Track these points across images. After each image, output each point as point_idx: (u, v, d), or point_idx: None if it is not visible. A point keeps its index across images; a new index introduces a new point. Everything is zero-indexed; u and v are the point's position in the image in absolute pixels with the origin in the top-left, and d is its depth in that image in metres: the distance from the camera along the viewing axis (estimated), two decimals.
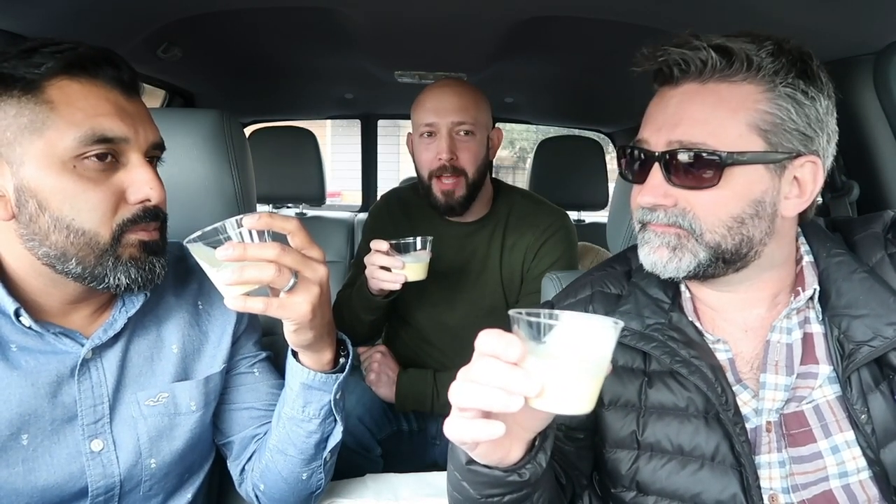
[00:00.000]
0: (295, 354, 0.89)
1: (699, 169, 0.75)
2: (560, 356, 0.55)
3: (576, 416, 0.57)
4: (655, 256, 0.80)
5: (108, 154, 0.76)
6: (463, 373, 0.57)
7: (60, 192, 0.74)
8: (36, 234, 0.75)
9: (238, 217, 0.74)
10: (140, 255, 0.80)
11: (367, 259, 1.34)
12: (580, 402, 0.56)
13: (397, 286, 1.31)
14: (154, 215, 0.81)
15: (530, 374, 0.54)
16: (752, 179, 0.76)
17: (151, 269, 0.81)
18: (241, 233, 0.75)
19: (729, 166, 0.74)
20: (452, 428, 0.58)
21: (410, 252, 1.29)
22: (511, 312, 0.58)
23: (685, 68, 0.77)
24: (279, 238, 0.77)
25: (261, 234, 0.76)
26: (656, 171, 0.78)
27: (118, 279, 0.78)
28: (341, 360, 0.91)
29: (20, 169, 0.73)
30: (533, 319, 0.56)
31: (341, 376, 0.89)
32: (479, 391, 0.55)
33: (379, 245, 1.30)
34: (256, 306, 0.74)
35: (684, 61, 0.76)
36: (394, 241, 1.29)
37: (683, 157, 0.76)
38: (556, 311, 0.60)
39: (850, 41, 1.19)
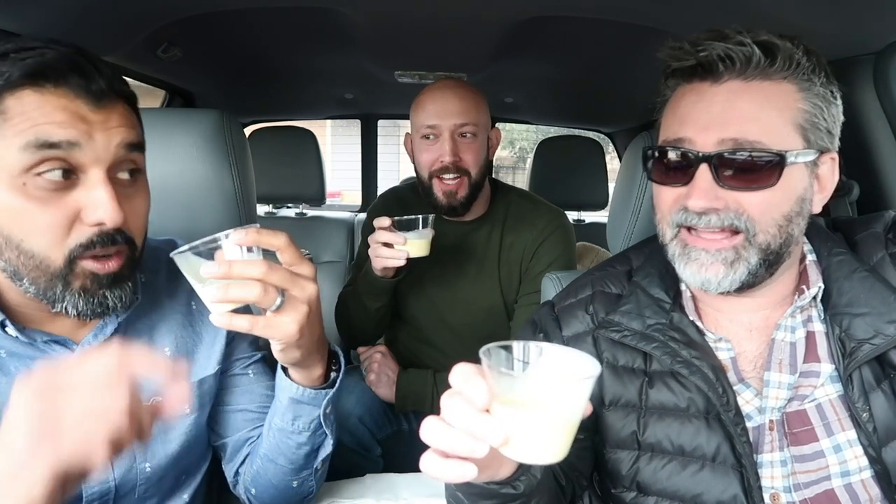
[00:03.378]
0: (285, 369, 0.87)
1: (757, 169, 0.73)
2: (527, 406, 0.51)
3: (548, 464, 0.53)
4: (708, 274, 0.77)
5: (63, 170, 0.69)
6: (442, 404, 0.55)
7: (7, 211, 0.69)
8: None
9: (228, 231, 0.71)
10: (91, 287, 0.74)
11: (370, 238, 1.34)
12: (550, 453, 0.52)
13: (401, 262, 1.31)
14: (111, 239, 0.73)
15: (496, 423, 0.51)
16: (798, 177, 0.76)
17: (102, 302, 0.75)
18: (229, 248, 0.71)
19: (787, 165, 0.73)
20: (427, 465, 0.56)
21: (413, 229, 1.30)
22: (480, 352, 0.53)
23: (729, 63, 0.74)
24: (270, 252, 0.74)
25: (251, 248, 0.72)
26: (704, 173, 0.75)
27: (66, 308, 0.74)
28: (332, 375, 0.89)
29: None
30: (503, 370, 0.53)
31: (331, 392, 0.88)
32: (447, 434, 0.53)
33: (381, 222, 1.30)
34: (241, 325, 0.71)
35: (728, 56, 0.74)
36: (396, 218, 1.30)
37: (740, 157, 0.73)
38: (534, 346, 0.56)
39: (850, 41, 1.19)
